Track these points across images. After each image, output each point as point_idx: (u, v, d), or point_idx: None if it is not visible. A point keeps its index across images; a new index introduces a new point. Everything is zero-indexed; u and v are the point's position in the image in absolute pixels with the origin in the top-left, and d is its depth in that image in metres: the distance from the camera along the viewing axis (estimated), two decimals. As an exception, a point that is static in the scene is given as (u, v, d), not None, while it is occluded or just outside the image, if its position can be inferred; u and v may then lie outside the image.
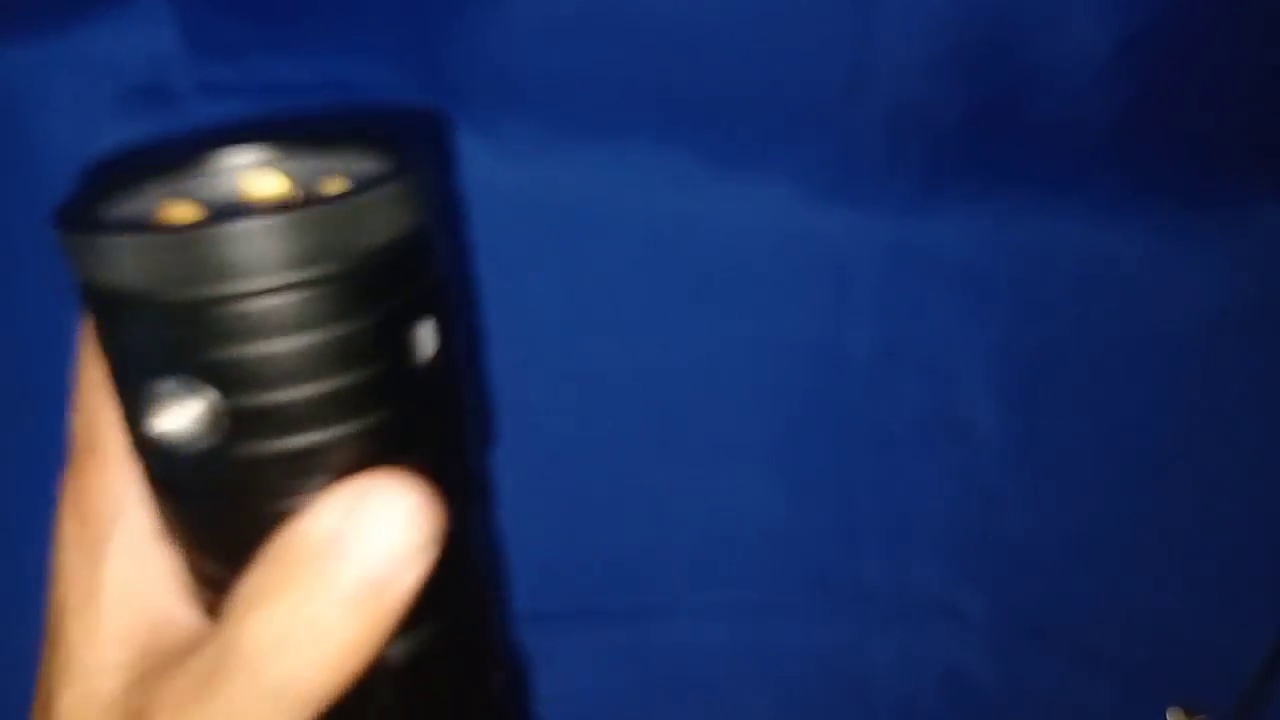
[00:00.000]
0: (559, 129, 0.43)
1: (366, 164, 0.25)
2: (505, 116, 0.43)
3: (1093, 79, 0.42)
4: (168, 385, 0.22)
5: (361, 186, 0.22)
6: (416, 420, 0.24)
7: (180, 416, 0.22)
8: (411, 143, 0.25)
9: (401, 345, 0.23)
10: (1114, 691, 0.47)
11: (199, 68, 0.43)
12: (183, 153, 0.26)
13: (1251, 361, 0.48)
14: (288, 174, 0.26)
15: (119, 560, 0.27)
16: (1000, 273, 0.46)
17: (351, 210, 0.22)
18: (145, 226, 0.23)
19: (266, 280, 0.21)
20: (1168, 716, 0.46)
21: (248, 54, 0.43)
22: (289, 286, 0.21)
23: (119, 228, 0.23)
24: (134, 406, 0.23)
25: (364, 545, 0.21)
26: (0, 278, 0.44)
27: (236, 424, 0.22)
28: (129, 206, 0.25)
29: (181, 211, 0.25)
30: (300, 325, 0.21)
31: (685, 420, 0.46)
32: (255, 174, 0.26)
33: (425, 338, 0.23)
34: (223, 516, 0.23)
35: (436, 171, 0.24)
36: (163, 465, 0.24)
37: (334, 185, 0.25)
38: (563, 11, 0.40)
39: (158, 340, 0.22)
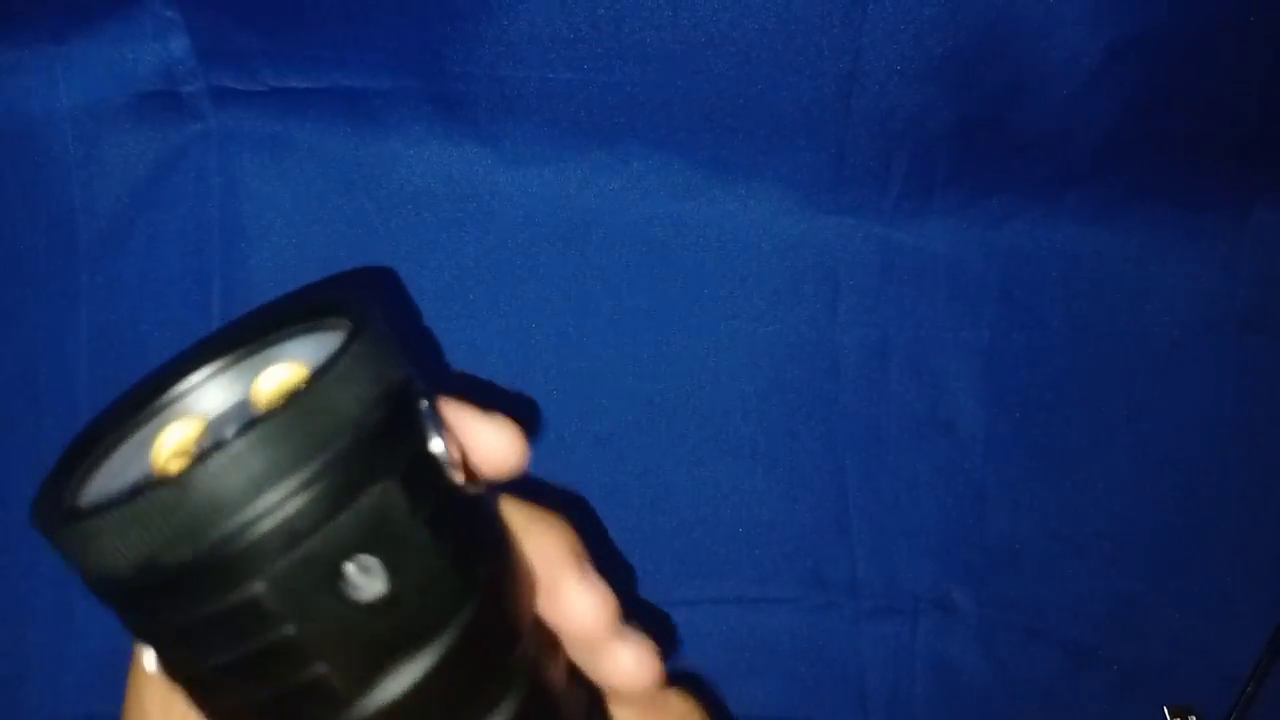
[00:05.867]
0: (559, 137, 0.44)
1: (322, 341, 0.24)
2: (506, 124, 0.44)
3: (1083, 87, 0.43)
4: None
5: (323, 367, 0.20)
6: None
7: None
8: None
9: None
10: (1104, 687, 0.47)
11: (209, 75, 0.43)
12: (132, 399, 0.24)
13: (1243, 362, 0.48)
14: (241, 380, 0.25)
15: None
16: (989, 275, 0.47)
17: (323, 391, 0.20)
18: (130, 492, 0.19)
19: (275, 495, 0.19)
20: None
21: (257, 62, 0.43)
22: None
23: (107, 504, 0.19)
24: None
25: None
26: (10, 279, 0.44)
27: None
28: (107, 477, 0.23)
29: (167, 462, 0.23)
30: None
31: (681, 418, 0.46)
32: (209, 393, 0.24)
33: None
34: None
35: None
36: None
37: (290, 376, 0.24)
38: (562, 23, 0.41)
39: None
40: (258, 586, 0.19)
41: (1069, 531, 0.47)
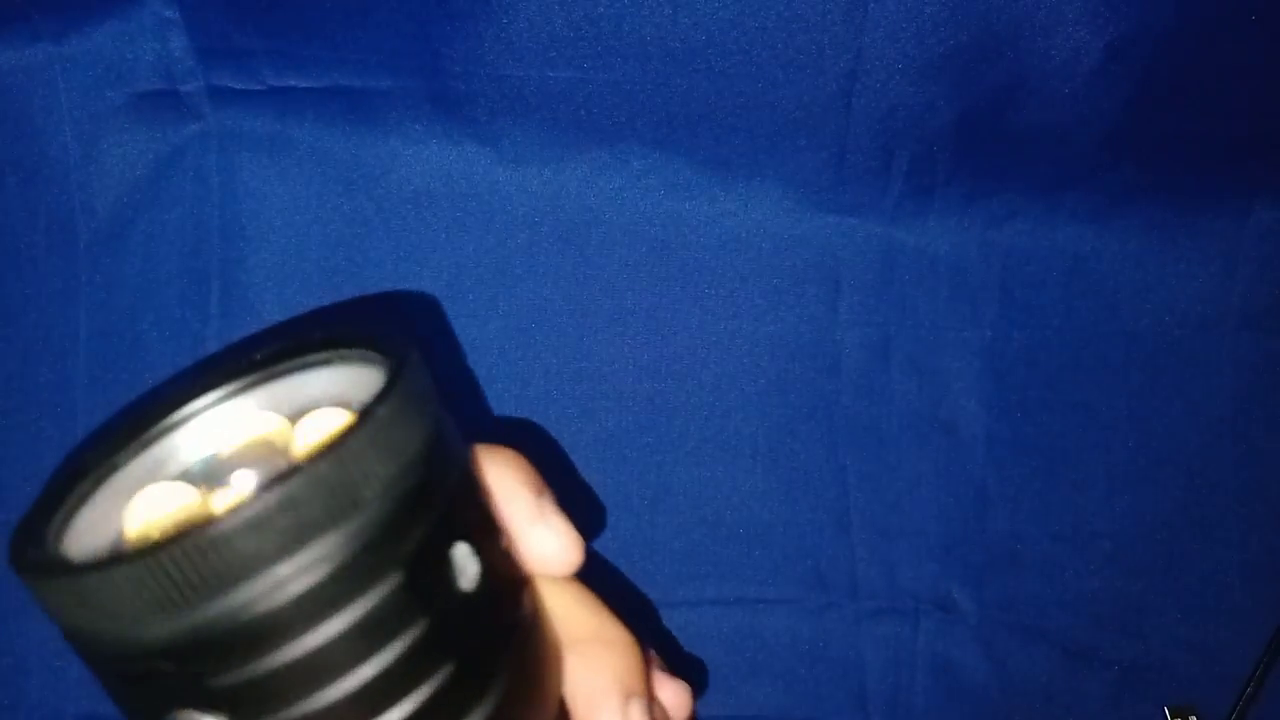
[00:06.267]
0: (559, 136, 0.44)
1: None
2: (506, 124, 0.44)
3: (1083, 85, 0.43)
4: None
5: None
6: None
7: None
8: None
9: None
10: (1104, 687, 0.47)
11: (208, 74, 0.43)
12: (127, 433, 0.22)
13: (1243, 361, 0.48)
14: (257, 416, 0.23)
15: None
16: (990, 274, 0.47)
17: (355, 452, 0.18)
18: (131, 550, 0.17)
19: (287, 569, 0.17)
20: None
21: (256, 61, 0.43)
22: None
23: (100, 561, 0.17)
24: None
25: None
26: (9, 278, 0.44)
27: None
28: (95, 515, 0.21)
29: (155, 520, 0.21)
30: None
31: (681, 418, 0.46)
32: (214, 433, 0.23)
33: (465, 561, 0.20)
34: None
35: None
36: None
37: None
38: (562, 22, 0.41)
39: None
40: (396, 578, 0.18)
41: (1069, 531, 0.47)
